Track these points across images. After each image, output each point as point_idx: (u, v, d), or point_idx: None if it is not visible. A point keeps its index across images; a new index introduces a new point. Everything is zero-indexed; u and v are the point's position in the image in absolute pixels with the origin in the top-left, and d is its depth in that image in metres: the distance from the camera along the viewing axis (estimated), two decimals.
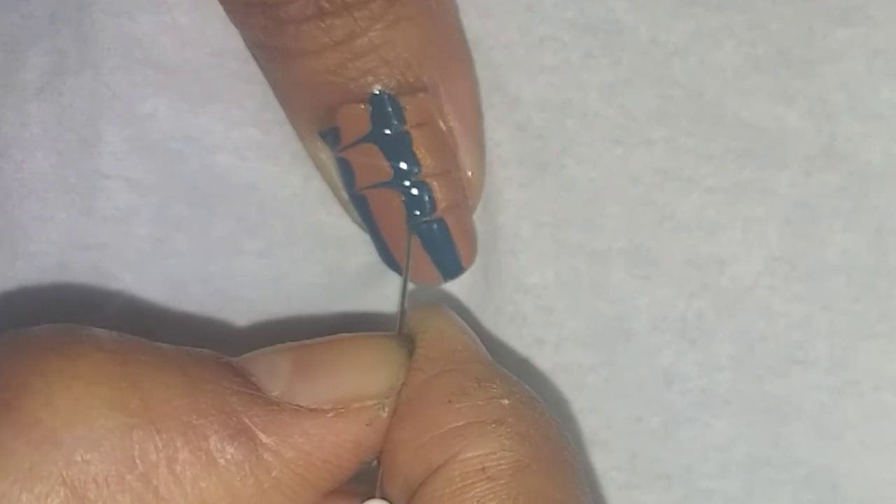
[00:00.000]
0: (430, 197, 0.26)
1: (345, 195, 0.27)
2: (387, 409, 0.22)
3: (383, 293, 0.28)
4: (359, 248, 0.28)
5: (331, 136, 0.26)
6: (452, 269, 0.27)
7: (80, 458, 0.20)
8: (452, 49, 0.26)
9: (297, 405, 0.22)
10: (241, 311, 0.28)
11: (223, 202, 0.27)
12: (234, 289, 0.28)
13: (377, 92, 0.25)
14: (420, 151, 0.25)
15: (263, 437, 0.22)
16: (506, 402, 0.22)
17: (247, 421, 0.22)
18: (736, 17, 0.27)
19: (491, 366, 0.23)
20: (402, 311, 0.25)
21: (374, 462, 0.23)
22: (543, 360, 0.28)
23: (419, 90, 0.25)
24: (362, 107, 0.25)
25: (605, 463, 0.28)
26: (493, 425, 0.21)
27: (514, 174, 0.27)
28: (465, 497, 0.21)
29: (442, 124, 0.26)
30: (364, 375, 0.23)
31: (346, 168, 0.26)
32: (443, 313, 0.24)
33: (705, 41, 0.27)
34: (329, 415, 0.22)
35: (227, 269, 0.28)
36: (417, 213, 0.26)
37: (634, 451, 0.28)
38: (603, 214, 0.27)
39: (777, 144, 0.27)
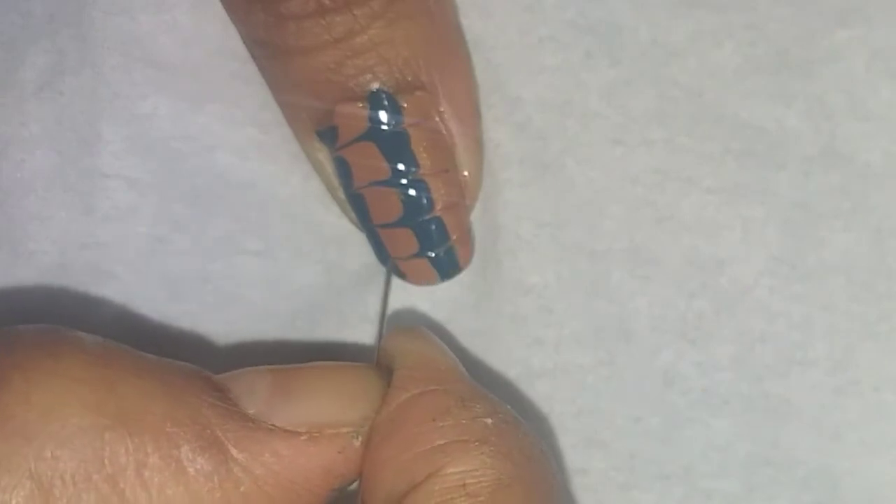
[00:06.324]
0: (427, 196, 0.26)
1: (341, 195, 0.26)
2: (360, 439, 0.23)
3: (383, 293, 0.28)
4: (359, 248, 0.28)
5: (328, 134, 0.26)
6: (450, 268, 0.27)
7: (49, 454, 0.21)
8: (451, 48, 0.26)
9: (272, 425, 0.22)
10: (241, 310, 0.28)
11: (222, 202, 0.27)
12: (234, 288, 0.28)
13: (375, 90, 0.25)
14: (418, 150, 0.25)
15: (235, 452, 0.22)
16: (489, 421, 0.22)
17: (220, 434, 0.22)
18: (735, 18, 0.27)
19: (474, 386, 0.23)
20: (381, 337, 0.25)
21: (354, 485, 0.23)
22: (543, 360, 0.28)
23: (417, 89, 0.25)
24: (360, 105, 0.25)
25: (605, 463, 0.28)
26: (476, 443, 0.22)
27: (514, 174, 0.27)
28: None
29: (440, 123, 0.26)
30: (341, 403, 0.23)
31: (343, 167, 0.26)
32: (423, 335, 0.25)
33: (705, 42, 0.27)
34: (302, 437, 0.22)
35: (227, 268, 0.27)
36: (416, 208, 0.26)
37: (634, 451, 0.28)
38: (603, 214, 0.27)
39: (776, 145, 0.27)
